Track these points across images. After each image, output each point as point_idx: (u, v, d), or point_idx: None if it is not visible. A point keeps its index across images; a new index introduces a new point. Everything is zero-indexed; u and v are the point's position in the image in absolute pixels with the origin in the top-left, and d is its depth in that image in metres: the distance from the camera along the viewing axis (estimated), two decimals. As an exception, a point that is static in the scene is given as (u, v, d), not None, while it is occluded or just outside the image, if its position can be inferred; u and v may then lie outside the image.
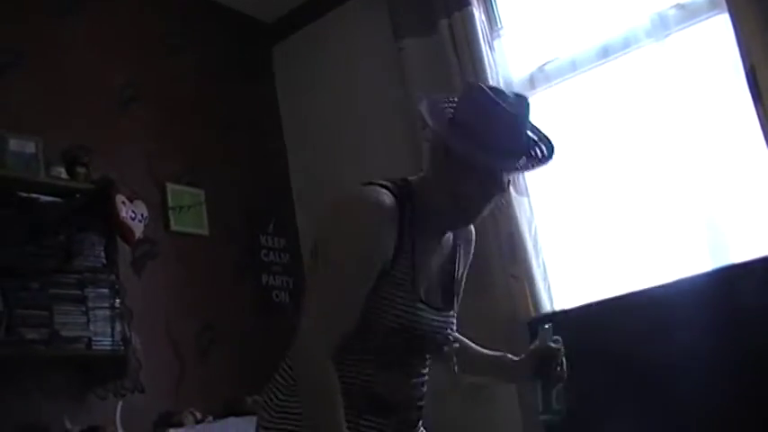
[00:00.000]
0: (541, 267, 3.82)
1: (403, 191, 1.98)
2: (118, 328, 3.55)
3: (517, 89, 4.04)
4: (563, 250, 3.92)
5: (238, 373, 4.14)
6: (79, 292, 3.49)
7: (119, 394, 3.57)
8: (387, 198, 1.93)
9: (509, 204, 3.82)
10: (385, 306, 1.92)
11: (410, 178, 2.04)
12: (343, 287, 1.89)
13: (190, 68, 4.58)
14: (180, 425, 3.64)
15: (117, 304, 3.58)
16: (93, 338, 3.47)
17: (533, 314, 3.71)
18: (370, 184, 1.99)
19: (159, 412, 3.76)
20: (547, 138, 2.01)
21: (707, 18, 3.54)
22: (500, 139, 1.90)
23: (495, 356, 2.32)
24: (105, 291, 3.57)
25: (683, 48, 3.59)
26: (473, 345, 2.33)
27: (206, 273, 4.25)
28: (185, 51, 4.59)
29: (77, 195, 3.66)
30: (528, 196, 3.93)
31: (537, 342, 2.18)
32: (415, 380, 2.04)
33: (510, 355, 2.28)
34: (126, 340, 3.56)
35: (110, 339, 3.52)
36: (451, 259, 2.14)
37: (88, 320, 3.47)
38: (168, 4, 4.59)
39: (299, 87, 4.89)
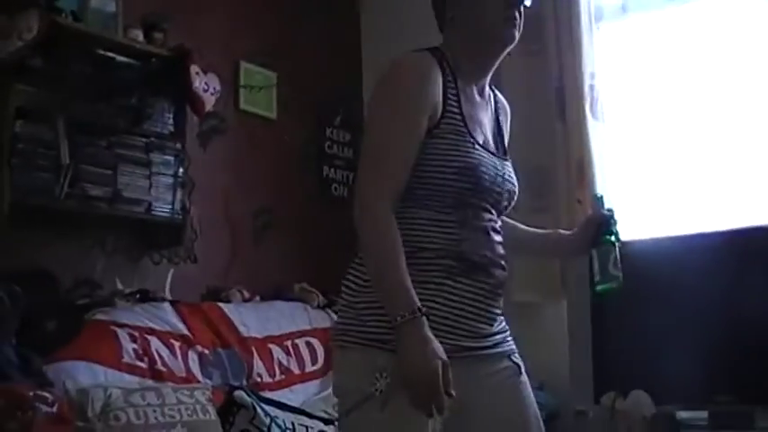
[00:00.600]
0: (608, 195, 3.75)
1: (432, 50, 2.03)
2: (178, 196, 3.57)
3: (607, 13, 3.96)
4: (632, 181, 3.85)
5: (289, 259, 4.16)
6: (144, 155, 3.49)
7: (172, 261, 3.61)
8: (425, 55, 1.99)
9: (583, 128, 3.76)
10: (445, 152, 1.93)
11: (435, 45, 2.07)
12: (387, 139, 1.91)
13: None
14: (227, 300, 3.68)
15: (180, 173, 3.59)
16: (154, 203, 3.49)
17: (593, 241, 3.67)
18: None
19: (208, 285, 3.80)
20: None
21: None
22: None
23: (547, 232, 2.36)
24: (170, 158, 3.58)
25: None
26: (520, 225, 2.34)
27: (268, 156, 4.24)
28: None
29: (153, 60, 3.63)
30: (604, 122, 3.84)
31: (590, 211, 2.21)
32: (494, 236, 2.02)
33: (561, 231, 2.34)
34: (185, 210, 3.59)
35: (169, 206, 3.54)
36: (497, 118, 2.17)
37: (150, 185, 3.49)
38: None
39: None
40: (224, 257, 3.97)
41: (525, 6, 2.07)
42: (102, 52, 3.49)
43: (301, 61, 4.45)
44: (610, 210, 2.18)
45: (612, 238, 2.13)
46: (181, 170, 3.59)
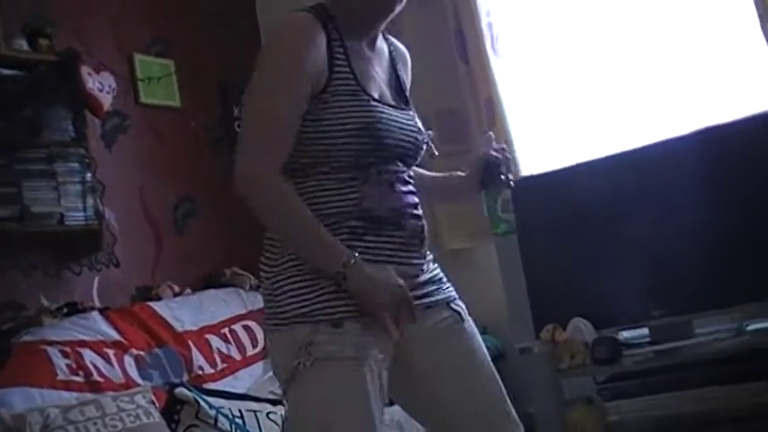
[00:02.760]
0: (520, 130, 3.75)
1: (316, 8, 1.96)
2: (90, 202, 3.49)
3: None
4: (542, 114, 3.85)
5: (217, 245, 4.11)
6: (48, 166, 3.41)
7: (94, 269, 3.55)
8: (307, 16, 1.92)
9: (487, 67, 3.74)
10: (340, 114, 1.88)
11: (321, 2, 2.01)
12: (268, 108, 1.87)
13: None
14: (158, 298, 3.64)
15: (88, 178, 3.51)
16: (66, 213, 3.41)
17: (513, 178, 3.66)
18: None
19: (137, 286, 3.75)
20: None
21: None
22: None
23: (445, 176, 2.28)
24: (75, 165, 3.49)
25: None
26: (425, 171, 2.27)
27: (179, 145, 4.16)
28: None
29: (41, 68, 3.53)
30: (507, 58, 3.83)
31: (479, 151, 2.14)
32: (400, 187, 1.96)
33: (455, 173, 2.23)
34: (99, 214, 3.51)
35: (82, 214, 3.46)
36: (393, 68, 2.11)
37: (59, 195, 3.41)
38: None
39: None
40: (149, 255, 3.91)
41: None
42: (-16, 69, 3.39)
43: (197, 43, 4.36)
44: (501, 149, 2.12)
45: (499, 178, 2.07)
46: (88, 175, 3.51)
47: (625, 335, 3.26)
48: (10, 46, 3.47)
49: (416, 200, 2.00)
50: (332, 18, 1.95)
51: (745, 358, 2.91)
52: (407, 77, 2.17)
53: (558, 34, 3.83)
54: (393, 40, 2.15)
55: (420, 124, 2.07)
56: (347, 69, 1.92)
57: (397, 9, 1.98)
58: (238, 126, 1.92)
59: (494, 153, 2.12)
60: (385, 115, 1.94)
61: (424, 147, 2.07)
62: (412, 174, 2.04)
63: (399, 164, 1.97)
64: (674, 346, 3.07)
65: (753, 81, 3.33)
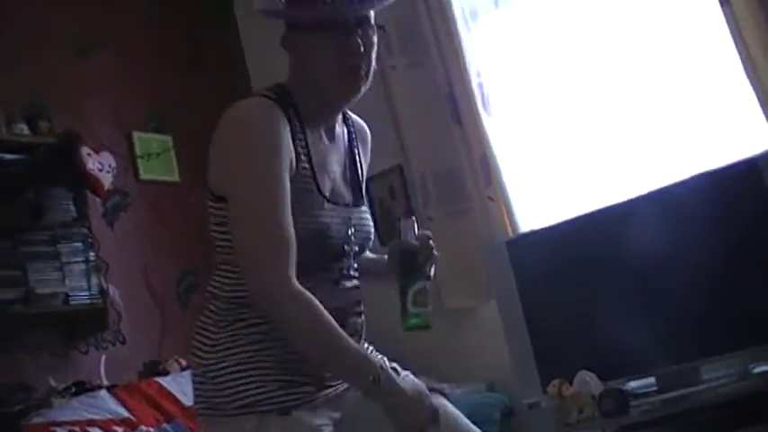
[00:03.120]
0: (516, 187, 3.79)
1: (277, 92, 1.88)
2: (94, 281, 3.54)
3: (480, 9, 3.99)
4: (537, 170, 3.89)
5: (221, 317, 4.11)
6: (52, 248, 3.47)
7: (100, 347, 3.57)
8: (270, 106, 1.83)
9: (480, 126, 3.79)
10: (296, 217, 1.78)
11: (280, 82, 1.93)
12: (264, 205, 1.76)
13: (147, 11, 4.47)
14: (166, 373, 3.64)
15: (91, 257, 3.56)
16: (70, 293, 3.46)
17: (511, 234, 3.70)
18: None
19: (144, 362, 3.75)
20: None
21: None
22: None
23: (375, 258, 2.19)
24: (78, 245, 3.55)
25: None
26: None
27: (180, 219, 4.20)
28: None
29: (41, 150, 3.60)
30: (498, 117, 3.88)
31: (402, 237, 2.01)
32: (345, 283, 1.92)
33: (385, 255, 2.14)
34: (103, 293, 3.55)
35: (87, 293, 3.51)
36: (351, 155, 2.05)
37: (63, 276, 3.46)
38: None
39: (261, 21, 4.77)
40: (154, 330, 3.93)
41: (369, 49, 1.89)
42: (-13, 154, 3.45)
43: (194, 117, 4.40)
44: (425, 237, 2.00)
45: (413, 269, 1.94)
46: (91, 254, 3.56)
47: (632, 385, 3.25)
48: (11, 130, 3.55)
49: (360, 296, 1.97)
50: (293, 103, 1.88)
51: (752, 401, 2.90)
52: (366, 157, 2.13)
53: (547, 89, 3.87)
54: (353, 117, 2.11)
55: (371, 222, 2.03)
56: (307, 164, 1.86)
57: (354, 99, 1.93)
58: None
59: (413, 241, 2.00)
60: (336, 219, 1.89)
61: (371, 241, 2.04)
62: (357, 266, 1.99)
63: (344, 259, 1.94)
64: (681, 394, 3.06)
65: (743, 125, 3.37)
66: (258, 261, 1.76)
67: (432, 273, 1.98)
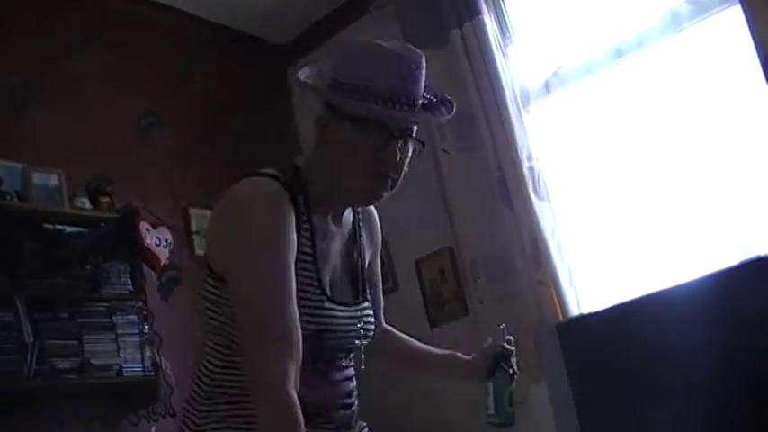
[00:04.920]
0: (567, 271, 3.81)
1: (289, 174, 1.82)
2: (148, 353, 3.58)
3: (533, 95, 4.06)
4: (588, 253, 3.91)
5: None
6: (108, 319, 3.53)
7: (151, 419, 3.59)
8: (278, 192, 1.75)
9: (530, 210, 3.82)
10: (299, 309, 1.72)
11: (296, 163, 1.88)
12: (272, 300, 1.69)
13: (206, 92, 4.62)
14: (213, 447, 3.64)
15: (146, 330, 3.61)
16: (124, 365, 3.50)
17: (561, 318, 3.70)
18: (250, 175, 1.82)
19: (193, 436, 3.75)
20: (446, 98, 1.87)
21: (719, 11, 3.53)
22: (389, 81, 1.73)
23: (443, 354, 2.21)
24: (134, 317, 3.61)
25: (696, 43, 3.58)
26: (409, 338, 2.22)
27: (233, 295, 4.24)
28: (201, 76, 4.63)
29: (102, 225, 3.69)
30: (549, 201, 3.92)
31: (489, 341, 2.11)
32: (335, 376, 1.88)
33: (459, 354, 2.18)
34: (156, 365, 3.59)
35: (140, 365, 3.55)
36: (352, 244, 1.98)
37: (118, 347, 3.50)
38: (181, 30, 4.62)
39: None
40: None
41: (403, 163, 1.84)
42: (50, 226, 3.55)
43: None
44: (509, 341, 2.11)
45: (508, 372, 2.06)
46: (146, 327, 3.62)
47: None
48: (73, 204, 3.64)
49: (352, 386, 1.93)
50: (303, 189, 1.82)
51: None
52: (372, 242, 2.09)
53: (598, 174, 3.92)
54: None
55: (372, 316, 1.97)
56: (309, 255, 1.80)
57: (384, 197, 1.85)
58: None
59: (506, 345, 2.09)
60: (335, 317, 1.84)
61: (371, 333, 1.97)
62: (350, 358, 1.94)
63: (340, 353, 1.90)
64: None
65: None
66: (267, 363, 1.67)
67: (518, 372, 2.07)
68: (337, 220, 1.92)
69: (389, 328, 2.24)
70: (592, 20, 3.94)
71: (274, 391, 1.64)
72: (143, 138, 4.23)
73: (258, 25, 4.87)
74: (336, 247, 1.91)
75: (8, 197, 3.42)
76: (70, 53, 4.05)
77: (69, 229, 3.60)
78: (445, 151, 4.12)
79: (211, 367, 1.85)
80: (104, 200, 3.75)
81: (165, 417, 3.60)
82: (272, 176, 1.80)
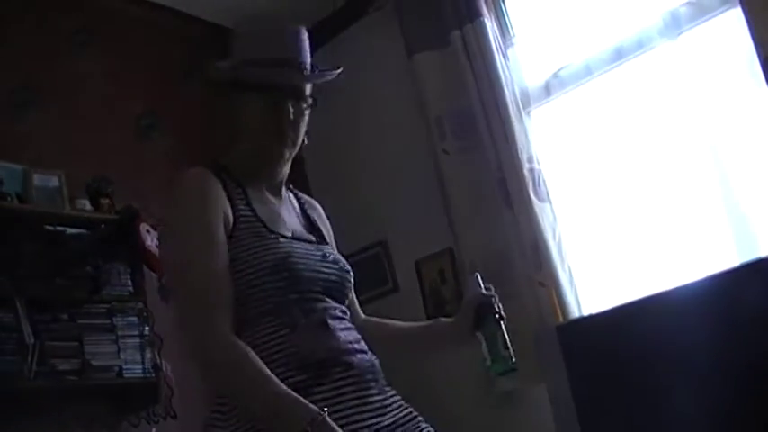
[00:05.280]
0: (567, 273, 3.81)
1: (211, 163, 2.03)
2: (148, 355, 3.59)
3: (533, 97, 4.07)
4: (588, 255, 3.91)
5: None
6: (108, 321, 3.53)
7: (151, 421, 3.59)
8: (201, 170, 1.98)
9: (531, 211, 3.82)
10: (251, 254, 1.85)
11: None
12: (201, 261, 1.82)
13: (206, 93, 4.60)
14: (214, 448, 3.64)
15: (146, 332, 3.62)
16: (124, 367, 3.51)
17: (561, 320, 3.70)
18: None
19: (193, 437, 3.75)
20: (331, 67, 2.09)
21: (719, 13, 3.53)
22: (272, 49, 2.00)
23: (427, 324, 2.27)
24: (134, 319, 3.61)
25: (696, 45, 3.58)
26: (390, 320, 2.25)
27: (233, 296, 4.25)
28: (200, 77, 4.62)
29: (102, 226, 3.70)
30: (550, 203, 3.92)
31: (468, 293, 2.12)
32: (336, 324, 1.91)
33: (443, 318, 2.21)
34: (156, 367, 3.59)
35: (140, 367, 3.56)
36: (305, 215, 2.15)
37: (118, 349, 3.51)
38: (181, 31, 4.63)
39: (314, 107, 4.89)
40: (204, 406, 3.93)
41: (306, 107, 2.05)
42: (51, 228, 3.55)
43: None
44: (488, 288, 2.11)
45: (494, 317, 2.04)
46: (146, 328, 3.62)
47: (683, 476, 3.20)
48: (74, 206, 3.65)
49: (357, 335, 1.96)
50: (226, 170, 2.01)
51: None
52: (324, 226, 2.19)
53: (599, 175, 3.92)
54: (301, 194, 2.23)
55: (341, 258, 2.07)
56: (249, 211, 1.94)
57: (287, 156, 2.05)
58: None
59: (484, 292, 2.09)
60: (299, 249, 1.94)
61: (351, 280, 2.05)
62: (345, 309, 2.00)
63: (328, 299, 1.94)
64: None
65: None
66: (193, 325, 1.79)
67: (504, 315, 2.05)
68: (274, 191, 2.08)
69: (368, 317, 2.24)
70: (592, 22, 3.95)
71: (209, 341, 1.75)
72: (143, 139, 4.24)
73: (258, 27, 4.86)
74: (284, 212, 2.05)
75: (8, 198, 3.42)
76: (70, 54, 4.06)
77: (70, 230, 3.60)
78: (445, 152, 4.12)
79: None
80: (105, 201, 3.76)
81: (165, 418, 3.60)
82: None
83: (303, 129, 2.05)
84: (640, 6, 3.74)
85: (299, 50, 2.03)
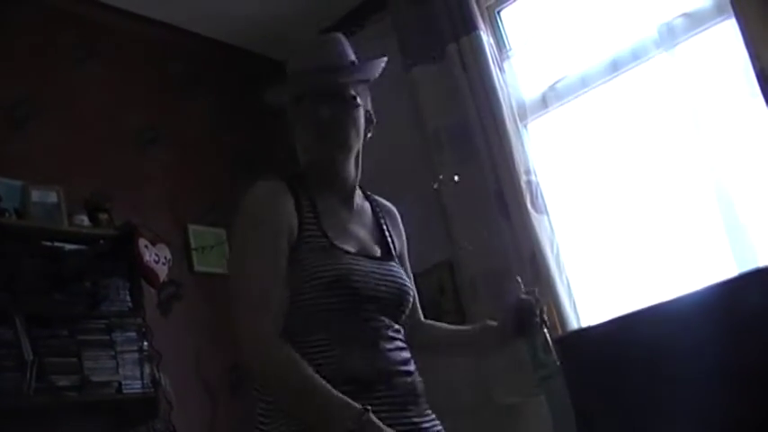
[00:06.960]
0: (565, 284, 3.81)
1: (288, 174, 2.05)
2: (147, 370, 3.59)
3: (530, 109, 4.07)
4: (586, 266, 3.91)
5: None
6: (107, 336, 3.53)
7: (150, 436, 3.60)
8: (273, 183, 2.00)
9: (528, 223, 3.82)
10: (311, 270, 1.88)
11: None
12: (256, 269, 1.87)
13: (205, 108, 4.63)
14: (214, 464, 3.66)
15: (145, 347, 3.62)
16: (123, 382, 3.51)
17: (560, 332, 3.69)
18: None
19: (193, 452, 3.77)
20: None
21: (714, 24, 3.54)
22: (303, 62, 2.07)
23: (471, 326, 2.29)
24: (133, 334, 3.61)
25: (692, 57, 3.59)
26: (440, 323, 2.30)
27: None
28: (200, 91, 4.65)
29: (101, 242, 3.70)
30: (547, 214, 3.92)
31: (510, 297, 2.14)
32: (386, 345, 1.94)
33: (489, 321, 2.23)
34: (156, 382, 3.59)
35: (139, 382, 3.56)
36: (377, 224, 2.16)
37: (117, 364, 3.51)
38: (181, 46, 4.65)
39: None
40: (204, 420, 3.95)
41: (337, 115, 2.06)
42: (49, 244, 3.55)
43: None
44: (529, 292, 2.13)
45: (537, 321, 2.07)
46: (145, 344, 3.62)
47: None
48: (72, 222, 3.65)
49: (406, 355, 1.98)
50: (301, 178, 2.04)
51: None
52: (397, 234, 2.22)
53: (597, 187, 3.92)
54: (378, 199, 2.24)
55: (406, 278, 2.09)
56: (315, 226, 1.96)
57: (339, 158, 2.06)
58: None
59: (525, 296, 2.12)
60: (360, 266, 1.95)
61: (411, 299, 2.08)
62: (399, 328, 2.02)
63: (383, 318, 1.96)
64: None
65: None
66: (246, 330, 1.84)
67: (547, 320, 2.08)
68: (347, 203, 2.10)
69: (426, 320, 2.30)
70: (587, 34, 3.96)
71: (260, 346, 1.80)
72: (142, 154, 4.25)
73: (258, 41, 4.89)
74: (353, 224, 2.08)
75: (7, 214, 3.43)
76: (69, 69, 4.07)
77: (68, 246, 3.61)
78: (442, 164, 4.12)
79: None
80: (103, 217, 3.76)
81: (164, 433, 3.61)
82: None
83: (351, 128, 2.07)
84: (636, 18, 3.75)
85: (326, 55, 2.08)
